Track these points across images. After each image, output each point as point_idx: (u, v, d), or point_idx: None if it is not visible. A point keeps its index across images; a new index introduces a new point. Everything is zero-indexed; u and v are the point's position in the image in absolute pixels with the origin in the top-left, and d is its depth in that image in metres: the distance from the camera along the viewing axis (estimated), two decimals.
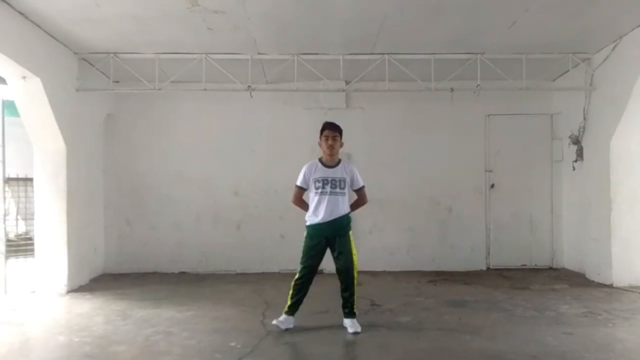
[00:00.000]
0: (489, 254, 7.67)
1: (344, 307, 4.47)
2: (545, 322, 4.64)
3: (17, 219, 8.51)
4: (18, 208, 8.47)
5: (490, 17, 5.37)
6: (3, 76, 5.44)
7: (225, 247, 7.50)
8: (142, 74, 6.50)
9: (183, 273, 7.41)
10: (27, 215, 8.27)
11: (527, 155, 7.68)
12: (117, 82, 6.96)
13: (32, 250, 6.26)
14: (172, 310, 5.15)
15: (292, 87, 6.70)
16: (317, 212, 4.40)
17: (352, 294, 4.44)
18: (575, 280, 6.58)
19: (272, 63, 6.62)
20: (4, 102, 6.01)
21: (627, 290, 5.92)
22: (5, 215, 6.31)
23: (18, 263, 7.45)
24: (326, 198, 4.37)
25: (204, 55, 6.32)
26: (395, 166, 7.61)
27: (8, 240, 6.81)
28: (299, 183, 4.56)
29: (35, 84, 5.42)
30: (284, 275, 7.18)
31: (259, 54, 6.37)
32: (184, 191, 7.54)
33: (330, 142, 4.42)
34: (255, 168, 7.60)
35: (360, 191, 4.63)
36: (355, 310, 4.46)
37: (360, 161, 7.59)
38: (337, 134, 4.47)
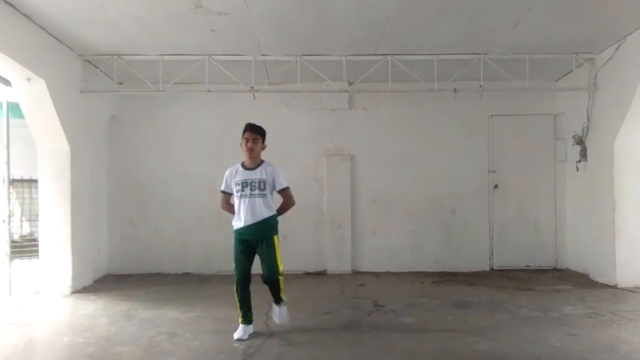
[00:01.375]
0: (492, 254, 7.65)
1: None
2: (549, 323, 4.63)
3: (21, 220, 8.56)
4: (22, 209, 8.53)
5: (494, 18, 5.36)
6: (8, 78, 5.46)
7: (229, 248, 7.44)
8: (146, 76, 6.52)
9: (187, 274, 7.43)
10: (32, 217, 8.32)
11: (530, 156, 7.66)
12: (121, 83, 6.98)
13: (37, 251, 6.28)
14: (175, 311, 5.17)
15: (295, 88, 6.70)
16: (239, 216, 4.31)
17: (278, 290, 4.45)
18: (579, 281, 6.56)
19: (275, 64, 6.63)
20: (8, 103, 6.03)
21: (631, 291, 5.90)
22: (9, 216, 6.33)
23: (22, 264, 7.49)
24: (246, 201, 4.27)
25: (207, 57, 6.33)
26: (398, 167, 7.60)
27: (12, 242, 6.84)
28: (222, 188, 4.49)
29: (39, 86, 5.45)
30: (287, 276, 7.16)
31: (262, 55, 6.38)
32: (187, 192, 7.56)
33: (250, 144, 4.33)
34: None
35: (283, 192, 4.46)
36: (281, 297, 4.47)
37: (363, 162, 7.64)
38: (259, 136, 4.39)
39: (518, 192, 7.67)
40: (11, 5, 4.79)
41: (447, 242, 7.61)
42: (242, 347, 4.00)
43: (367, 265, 7.53)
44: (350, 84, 6.97)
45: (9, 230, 6.27)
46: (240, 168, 4.43)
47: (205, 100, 7.31)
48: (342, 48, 6.22)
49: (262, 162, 4.46)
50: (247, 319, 4.35)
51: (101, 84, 6.75)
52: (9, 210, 6.36)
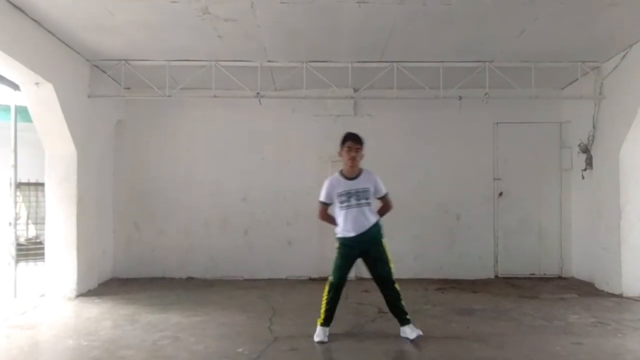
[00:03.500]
0: (497, 262, 7.63)
1: (394, 315, 4.42)
2: (554, 332, 4.61)
3: (27, 223, 8.59)
4: (29, 212, 8.56)
5: (500, 26, 5.38)
6: (16, 82, 5.51)
7: (233, 253, 7.53)
8: (153, 81, 6.57)
9: (191, 278, 7.44)
10: (38, 220, 8.35)
11: (535, 164, 7.65)
12: (128, 88, 7.04)
13: (42, 254, 6.32)
14: (179, 315, 5.18)
15: (301, 95, 6.74)
16: (346, 227, 4.33)
17: (398, 298, 4.36)
18: (584, 290, 6.53)
19: (281, 70, 6.66)
20: (17, 107, 6.08)
21: (637, 300, 5.87)
22: (16, 219, 6.37)
23: (28, 267, 7.51)
24: (354, 211, 4.32)
25: (213, 63, 6.38)
26: (403, 174, 7.59)
27: (19, 244, 6.87)
28: (322, 199, 4.48)
29: (47, 90, 5.50)
30: (291, 282, 7.20)
31: (269, 61, 6.41)
32: (192, 197, 7.59)
33: (352, 154, 4.35)
34: (264, 174, 7.64)
35: (384, 198, 4.55)
36: (407, 316, 4.38)
37: (368, 168, 7.61)
38: (360, 145, 4.41)
39: (523, 199, 7.65)
40: (21, 10, 4.84)
41: (452, 249, 7.60)
42: (246, 352, 4.00)
43: None
44: (355, 90, 6.99)
45: (15, 233, 6.32)
46: (341, 178, 4.43)
47: (211, 105, 7.35)
48: (348, 55, 6.25)
49: (361, 170, 4.47)
50: (328, 322, 4.36)
51: (108, 88, 6.80)
52: (16, 213, 6.40)
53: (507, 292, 6.48)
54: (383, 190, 4.51)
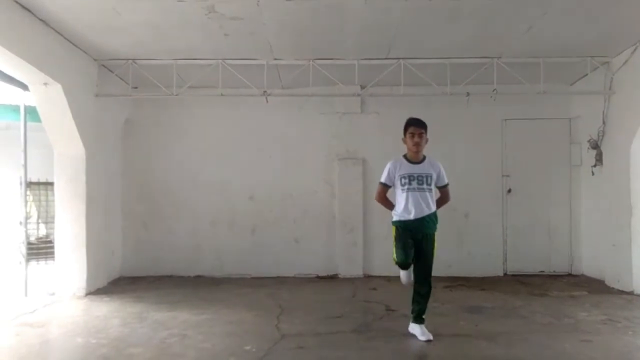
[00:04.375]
0: (506, 259, 7.58)
1: (414, 309, 4.36)
2: (564, 330, 4.57)
3: (38, 222, 8.68)
4: (39, 211, 8.65)
5: (507, 21, 5.33)
6: (25, 83, 5.56)
7: (241, 252, 7.54)
8: (160, 80, 6.59)
9: (199, 277, 7.47)
10: (48, 219, 8.43)
11: (544, 160, 7.58)
12: (136, 87, 7.07)
13: (52, 253, 6.37)
14: (187, 313, 5.20)
15: (308, 92, 6.73)
16: (407, 209, 4.24)
17: (427, 295, 4.33)
18: (594, 287, 6.47)
19: (287, 68, 6.66)
20: (26, 107, 6.14)
21: None
22: (26, 218, 6.43)
23: (38, 266, 7.60)
24: (415, 195, 4.24)
25: (220, 61, 6.39)
26: None
27: (29, 243, 6.94)
28: (383, 180, 4.40)
29: (56, 90, 5.54)
30: (298, 280, 7.21)
31: (275, 59, 6.41)
32: (200, 195, 7.61)
33: (416, 139, 4.29)
34: (271, 173, 7.64)
35: (444, 188, 4.48)
36: (424, 316, 4.35)
37: (375, 166, 7.60)
38: (423, 130, 4.33)
39: (532, 196, 7.59)
40: (28, 10, 4.88)
41: (460, 247, 7.55)
42: (254, 350, 4.01)
43: (378, 269, 7.49)
44: (362, 87, 6.97)
45: (26, 232, 6.38)
46: (405, 161, 4.38)
47: (218, 104, 7.37)
48: (355, 52, 6.23)
49: (425, 156, 4.41)
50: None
51: (116, 88, 6.83)
52: (26, 212, 6.46)
53: (516, 289, 6.44)
54: (445, 180, 4.45)
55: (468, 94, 6.47)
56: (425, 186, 4.29)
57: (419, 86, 6.71)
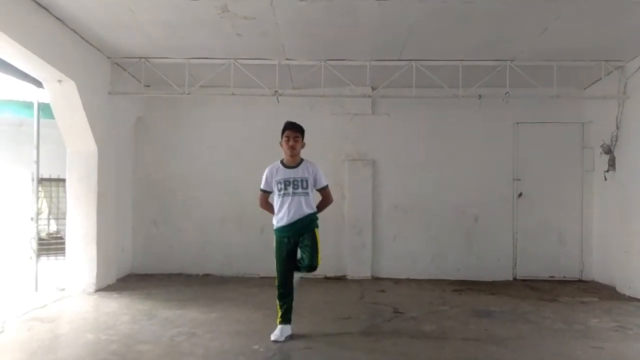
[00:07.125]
0: (515, 264, 7.52)
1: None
2: (574, 336, 4.52)
3: (49, 218, 8.76)
4: (50, 208, 8.72)
5: (521, 24, 5.29)
6: (40, 79, 5.61)
7: (250, 251, 7.55)
8: (172, 79, 6.63)
9: (207, 275, 7.50)
10: (59, 215, 8.51)
11: (556, 164, 7.52)
12: (148, 86, 7.11)
13: (63, 249, 6.42)
14: (196, 311, 5.22)
15: (319, 93, 6.73)
16: (283, 214, 4.30)
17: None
18: (605, 294, 6.40)
19: (299, 68, 6.66)
20: (39, 104, 6.20)
21: None
22: (37, 214, 6.49)
23: (49, 262, 7.66)
24: (289, 199, 4.28)
25: (232, 61, 6.41)
26: (420, 173, 7.56)
27: (40, 239, 7.01)
28: (262, 187, 4.47)
29: (70, 87, 5.59)
30: (306, 279, 7.17)
31: (287, 59, 6.42)
32: (209, 194, 7.64)
33: (291, 142, 4.31)
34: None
35: (324, 191, 4.50)
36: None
37: (385, 167, 7.62)
38: (299, 134, 4.37)
39: (543, 201, 7.53)
40: (44, 8, 4.93)
41: (469, 250, 7.52)
42: (262, 349, 4.01)
43: (387, 271, 7.48)
44: (373, 89, 6.96)
45: (37, 227, 6.44)
46: (281, 166, 4.41)
47: (229, 103, 7.39)
48: (367, 53, 6.22)
49: (302, 160, 4.44)
50: (285, 320, 4.34)
51: (129, 86, 6.88)
52: (37, 208, 6.52)
53: (525, 294, 6.39)
54: (323, 182, 4.45)
55: (480, 97, 6.44)
56: (300, 190, 4.29)
57: (430, 88, 6.68)
